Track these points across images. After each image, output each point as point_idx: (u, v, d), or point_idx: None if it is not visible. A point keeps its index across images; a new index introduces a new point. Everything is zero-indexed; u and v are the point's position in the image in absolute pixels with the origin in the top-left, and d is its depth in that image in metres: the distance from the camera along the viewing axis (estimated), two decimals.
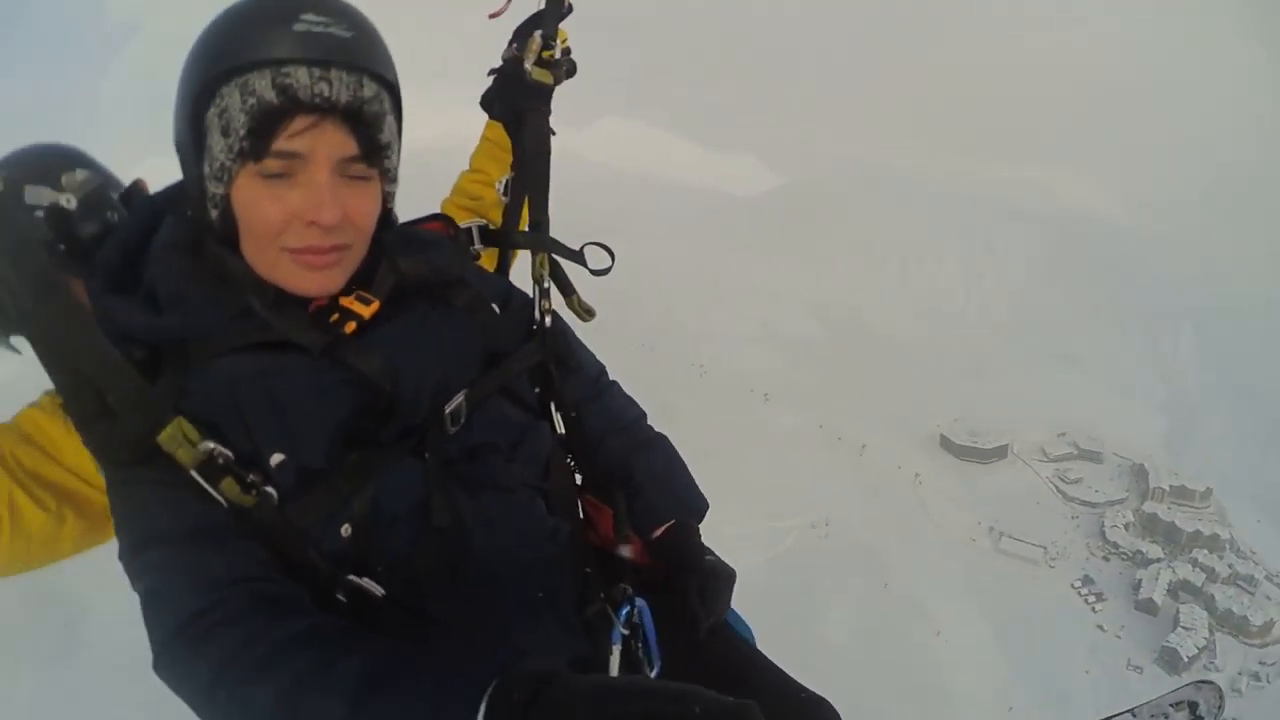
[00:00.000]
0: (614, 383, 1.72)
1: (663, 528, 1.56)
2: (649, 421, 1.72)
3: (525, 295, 1.61)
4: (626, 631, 1.32)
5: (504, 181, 1.73)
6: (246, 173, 1.13)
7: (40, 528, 1.29)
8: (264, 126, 1.09)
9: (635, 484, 1.57)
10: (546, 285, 1.60)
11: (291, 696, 0.95)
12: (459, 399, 1.29)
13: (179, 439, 1.08)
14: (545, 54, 1.68)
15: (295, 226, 1.14)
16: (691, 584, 1.43)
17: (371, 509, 1.19)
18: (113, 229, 1.54)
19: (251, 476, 1.12)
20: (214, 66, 1.10)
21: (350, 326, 1.22)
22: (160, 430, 1.07)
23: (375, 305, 1.24)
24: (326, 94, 1.10)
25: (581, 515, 1.58)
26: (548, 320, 1.59)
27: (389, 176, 1.27)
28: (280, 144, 1.10)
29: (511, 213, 1.72)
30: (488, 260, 1.74)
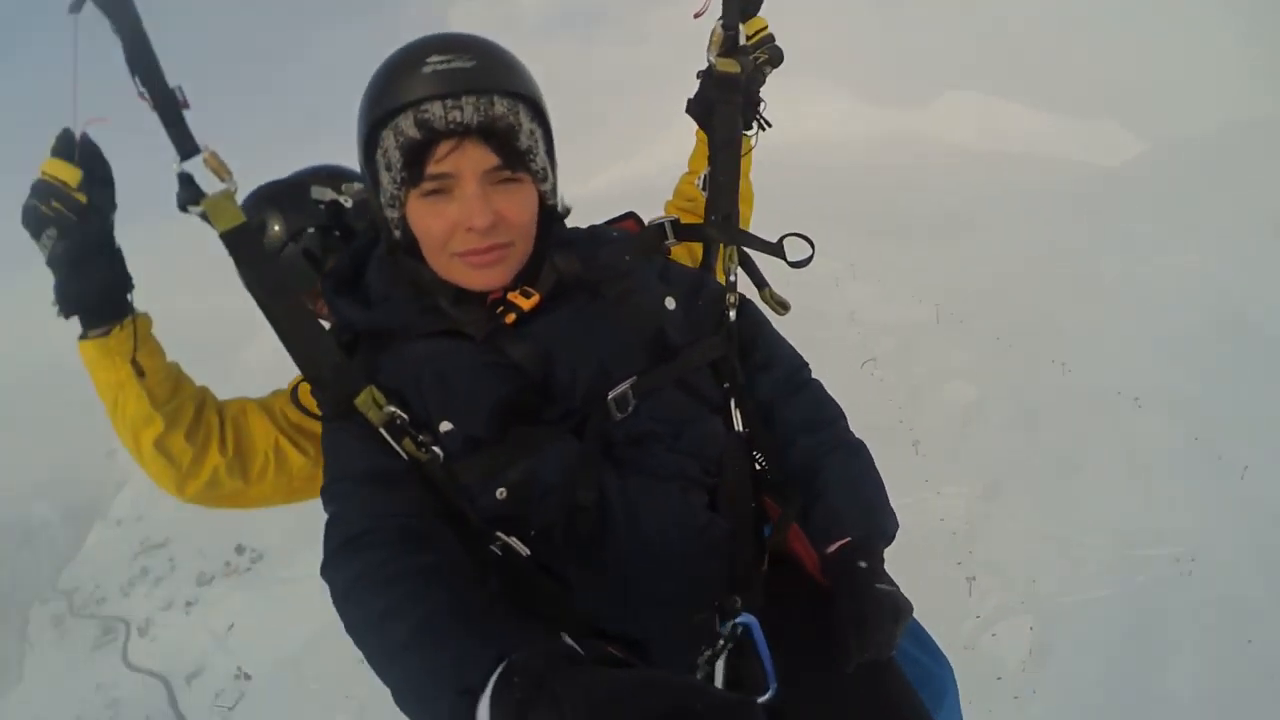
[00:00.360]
0: (814, 381, 1.67)
1: (839, 543, 1.46)
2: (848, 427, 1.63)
3: (720, 287, 1.63)
4: (729, 644, 1.31)
5: (702, 177, 1.77)
6: (413, 197, 1.35)
7: (300, 469, 1.60)
8: (415, 158, 1.31)
9: (818, 488, 1.51)
10: (733, 278, 1.66)
11: (384, 618, 1.13)
12: (624, 386, 1.40)
13: (370, 403, 1.35)
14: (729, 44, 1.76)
15: (458, 234, 1.35)
16: (849, 610, 1.34)
17: (526, 478, 1.35)
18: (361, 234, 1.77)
19: (423, 437, 1.34)
20: (370, 118, 1.33)
21: (510, 317, 1.41)
22: (356, 395, 1.35)
23: (535, 299, 1.42)
24: (459, 119, 1.29)
25: (757, 517, 1.55)
26: (732, 314, 1.61)
27: (539, 176, 1.42)
28: (431, 169, 1.31)
29: (710, 207, 1.75)
30: (685, 254, 1.81)
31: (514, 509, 1.35)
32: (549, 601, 1.35)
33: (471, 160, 1.31)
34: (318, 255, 2.08)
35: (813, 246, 1.63)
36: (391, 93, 1.30)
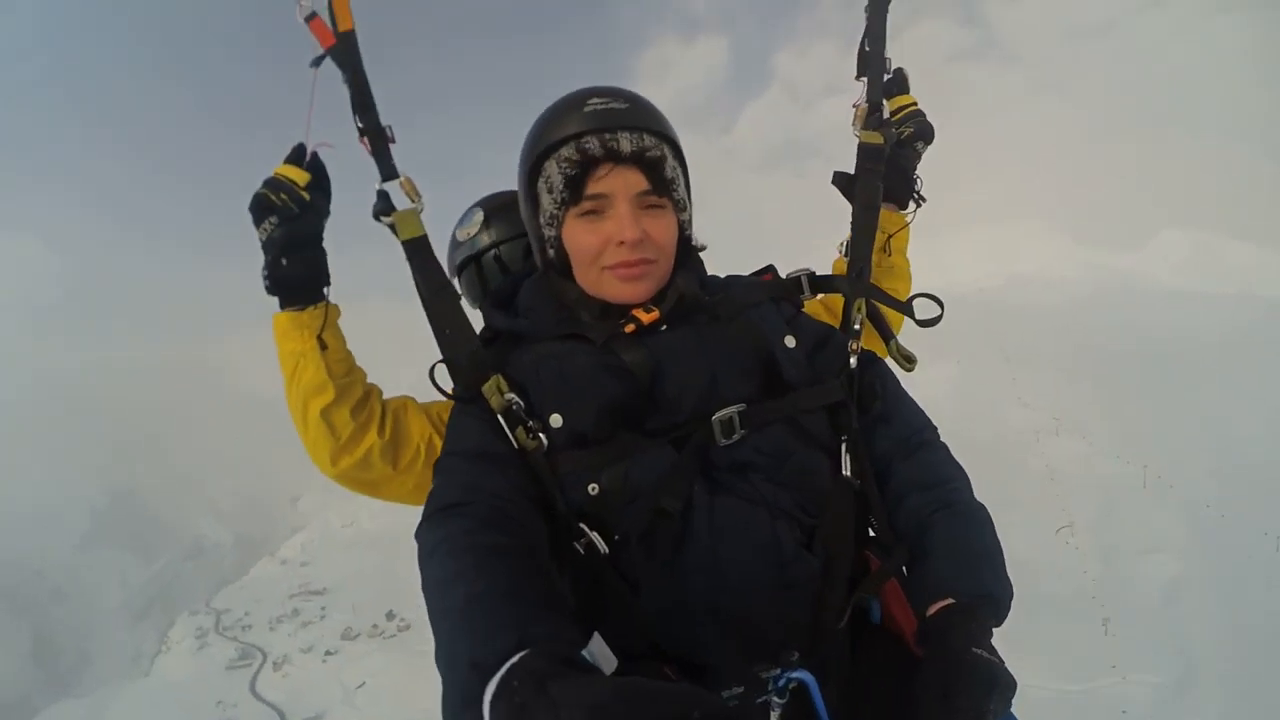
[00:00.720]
0: (939, 443, 1.64)
1: (939, 604, 1.36)
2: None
3: (844, 338, 1.68)
4: (781, 697, 1.30)
5: (843, 242, 1.84)
6: (570, 217, 1.53)
7: None
8: (576, 180, 1.49)
9: (924, 547, 1.45)
10: (858, 327, 1.70)
11: (449, 581, 1.21)
12: (732, 411, 1.46)
13: (494, 389, 1.48)
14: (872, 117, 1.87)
15: (609, 248, 1.50)
16: (936, 672, 1.25)
17: (619, 479, 1.42)
18: None
19: (533, 423, 1.45)
20: (535, 150, 1.53)
21: (629, 327, 1.52)
22: (484, 381, 1.49)
23: (655, 314, 1.54)
24: (615, 148, 1.48)
25: (854, 568, 1.53)
26: (853, 361, 1.65)
27: (679, 206, 1.60)
28: (589, 189, 1.49)
29: (849, 266, 1.80)
30: (824, 312, 1.88)
31: (603, 508, 1.42)
32: (617, 605, 1.38)
33: (625, 183, 1.49)
34: (508, 267, 2.23)
35: (941, 307, 1.72)
36: (556, 128, 1.50)
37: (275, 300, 1.67)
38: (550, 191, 1.53)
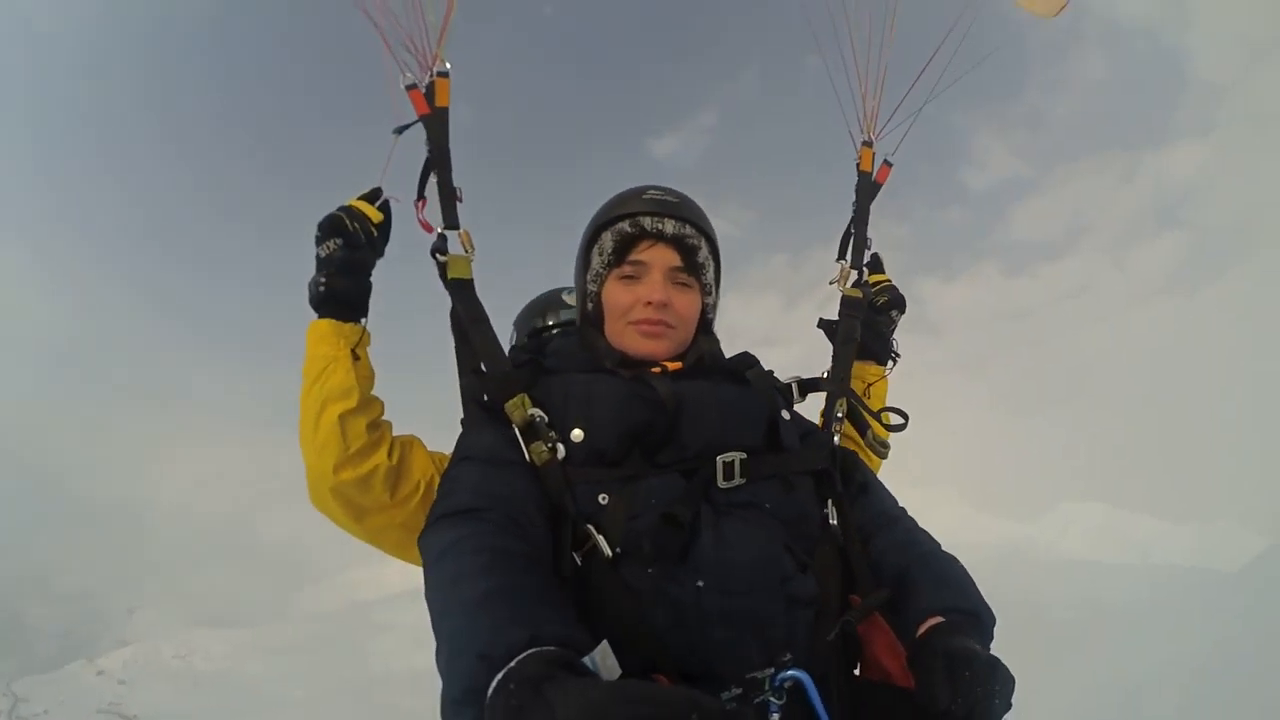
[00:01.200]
0: (911, 518, 1.79)
1: (930, 622, 1.46)
2: None
3: (826, 433, 1.90)
4: (778, 699, 1.36)
5: (825, 370, 2.04)
6: (611, 277, 1.77)
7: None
8: (622, 248, 1.75)
9: (909, 583, 1.57)
10: (840, 416, 1.92)
11: (457, 580, 1.27)
12: (735, 456, 1.58)
13: (518, 405, 1.60)
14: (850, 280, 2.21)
15: (638, 306, 1.73)
16: (939, 665, 1.31)
17: (629, 494, 1.52)
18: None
19: (552, 433, 1.57)
20: (596, 223, 1.80)
21: (655, 370, 1.71)
22: (512, 397, 1.61)
23: (679, 365, 1.75)
24: (660, 229, 1.74)
25: (842, 605, 1.60)
26: (836, 439, 1.88)
27: (705, 290, 1.83)
28: (632, 256, 1.75)
29: (830, 375, 2.02)
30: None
31: (610, 518, 1.49)
32: (616, 613, 1.41)
33: (662, 256, 1.74)
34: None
35: (906, 419, 1.99)
36: (617, 207, 1.78)
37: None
38: (600, 254, 1.77)
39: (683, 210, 1.76)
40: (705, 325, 1.88)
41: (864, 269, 2.25)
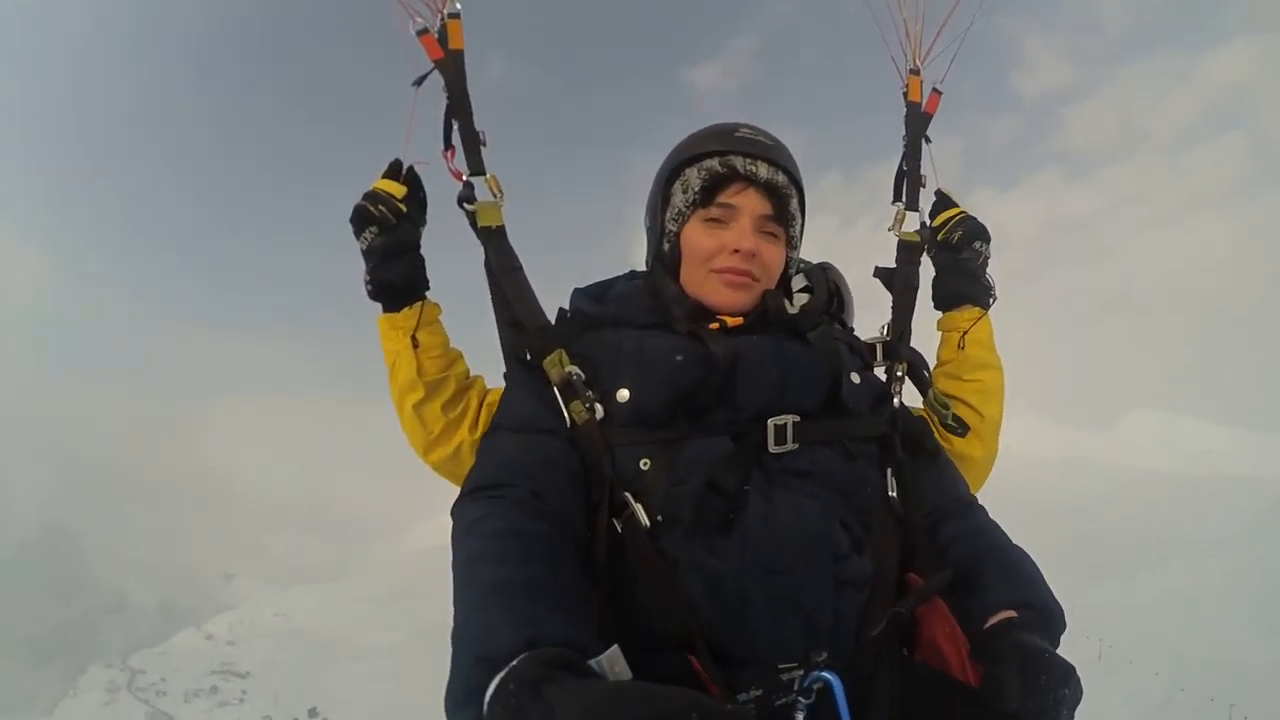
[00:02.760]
0: (982, 507, 1.69)
1: (1001, 615, 1.36)
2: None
3: (889, 395, 1.76)
4: (805, 699, 1.28)
5: (884, 324, 1.96)
6: (694, 219, 1.62)
7: None
8: (712, 187, 1.59)
9: (979, 574, 1.47)
10: (901, 375, 1.81)
11: (476, 562, 1.25)
12: (787, 420, 1.47)
13: (555, 361, 1.54)
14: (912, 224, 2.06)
15: (723, 253, 1.58)
16: (1013, 662, 1.22)
17: (672, 458, 1.44)
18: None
19: (590, 393, 1.49)
20: (680, 157, 1.65)
21: (714, 325, 1.58)
22: (549, 353, 1.55)
23: (740, 321, 1.60)
24: (754, 172, 1.59)
25: (898, 588, 1.53)
26: (896, 401, 1.75)
27: (792, 243, 1.70)
28: (721, 199, 1.59)
29: (891, 331, 1.94)
30: None
31: (652, 484, 1.43)
32: (654, 583, 1.37)
33: (753, 203, 1.60)
34: None
35: (965, 427, 1.88)
36: (704, 143, 1.64)
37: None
38: (684, 192, 1.63)
39: (777, 155, 1.64)
40: (784, 280, 1.74)
41: (922, 209, 2.09)
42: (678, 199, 1.64)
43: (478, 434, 1.80)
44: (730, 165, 1.60)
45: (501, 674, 1.01)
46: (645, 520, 1.39)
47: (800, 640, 1.34)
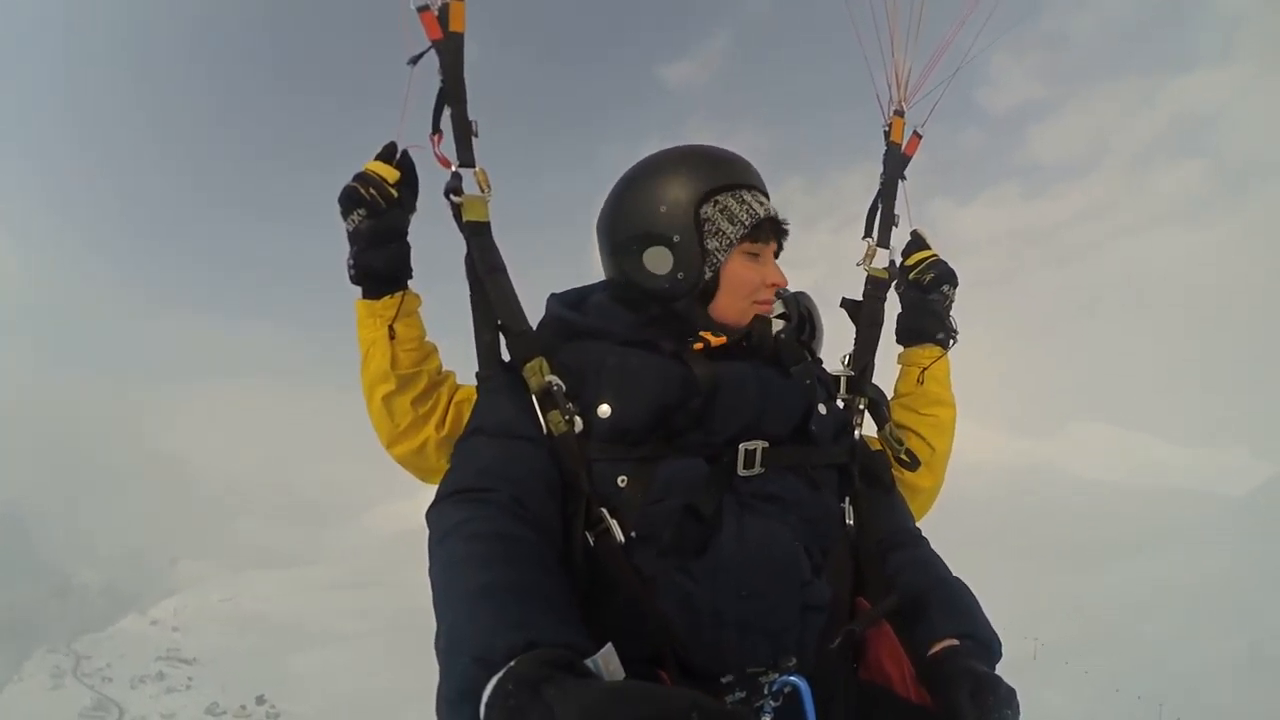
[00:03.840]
0: (927, 540, 1.80)
1: (943, 644, 1.47)
2: None
3: (849, 416, 1.85)
4: (774, 702, 1.34)
5: (845, 355, 2.02)
6: (737, 252, 1.63)
7: None
8: (757, 225, 1.62)
9: (923, 604, 1.57)
10: (861, 409, 1.90)
11: (459, 566, 1.25)
12: (757, 445, 1.52)
13: (536, 369, 1.53)
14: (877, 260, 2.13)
15: (762, 288, 1.66)
16: (964, 685, 1.33)
17: (649, 476, 1.47)
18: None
19: (569, 405, 1.49)
20: (711, 183, 1.62)
21: (697, 346, 1.61)
22: (529, 359, 1.55)
23: (723, 339, 1.63)
24: (778, 217, 1.67)
25: (850, 610, 1.62)
26: (857, 433, 1.85)
27: None
28: (762, 237, 1.65)
29: (853, 364, 2.00)
30: None
31: (628, 502, 1.45)
32: (626, 600, 1.39)
33: (773, 246, 1.69)
34: None
35: (916, 461, 1.97)
36: (731, 171, 1.65)
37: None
38: (731, 222, 1.62)
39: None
40: None
41: (891, 246, 2.16)
42: (725, 228, 1.62)
43: (445, 432, 1.82)
44: (767, 209, 1.66)
45: (500, 674, 1.00)
46: (620, 536, 1.43)
47: (767, 657, 1.40)
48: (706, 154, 1.70)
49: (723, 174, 1.65)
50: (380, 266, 1.79)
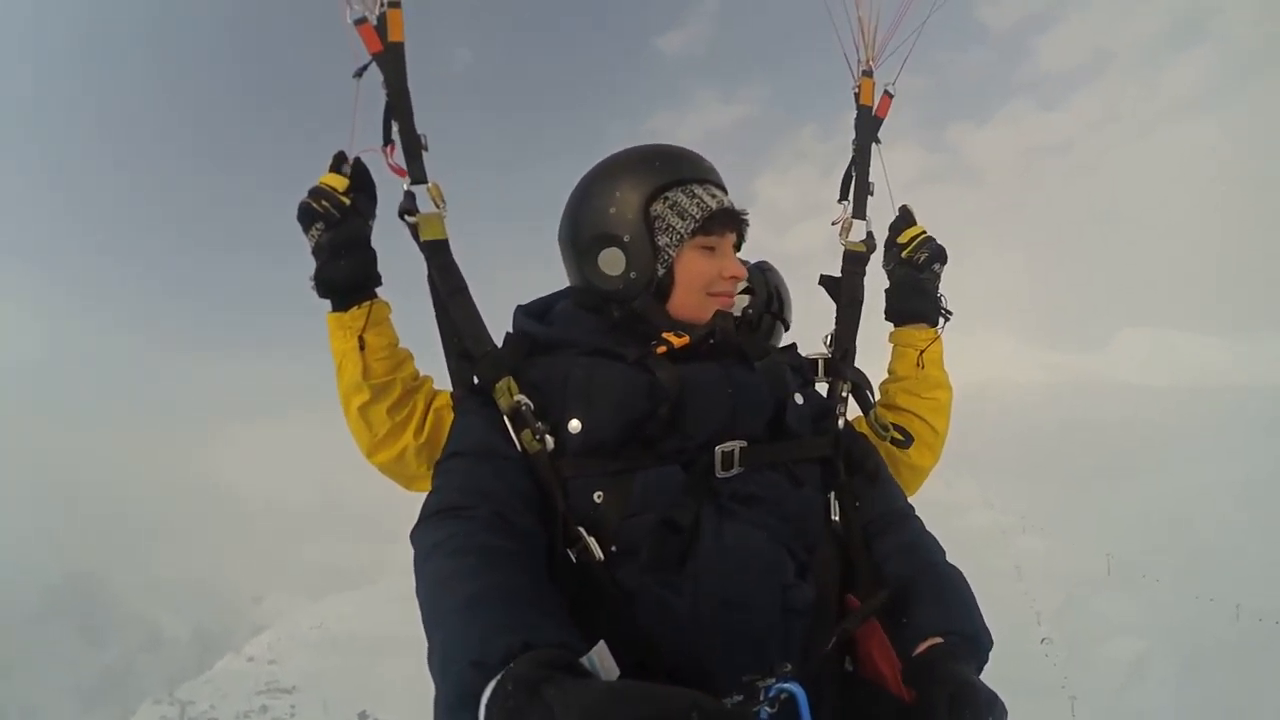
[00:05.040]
0: (918, 518, 1.75)
1: (927, 643, 1.41)
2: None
3: (832, 405, 1.81)
4: (770, 709, 1.25)
5: (828, 334, 1.99)
6: (690, 246, 1.63)
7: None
8: (710, 218, 1.63)
9: (911, 596, 1.51)
10: (845, 395, 1.84)
11: (447, 581, 1.24)
12: (734, 446, 1.50)
13: (505, 389, 1.52)
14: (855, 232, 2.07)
15: (720, 279, 1.65)
16: (943, 695, 1.27)
17: (625, 489, 1.45)
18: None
19: (541, 424, 1.47)
20: (660, 180, 1.63)
21: (661, 349, 1.59)
22: (497, 380, 1.54)
23: (685, 339, 1.61)
24: (733, 208, 1.68)
25: (839, 608, 1.58)
26: (841, 422, 1.79)
27: None
28: (716, 229, 1.64)
29: (834, 348, 1.96)
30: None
31: (605, 518, 1.44)
32: (609, 616, 1.37)
33: (732, 235, 1.69)
34: None
35: (908, 438, 1.96)
36: (681, 167, 1.67)
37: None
38: (681, 217, 1.61)
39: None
40: None
41: (868, 218, 2.08)
42: (674, 223, 1.61)
43: (424, 437, 1.81)
44: (720, 201, 1.65)
45: (498, 676, 0.99)
46: (599, 553, 1.40)
47: (753, 666, 1.30)
48: (658, 152, 1.69)
49: (672, 170, 1.65)
50: (344, 278, 1.77)
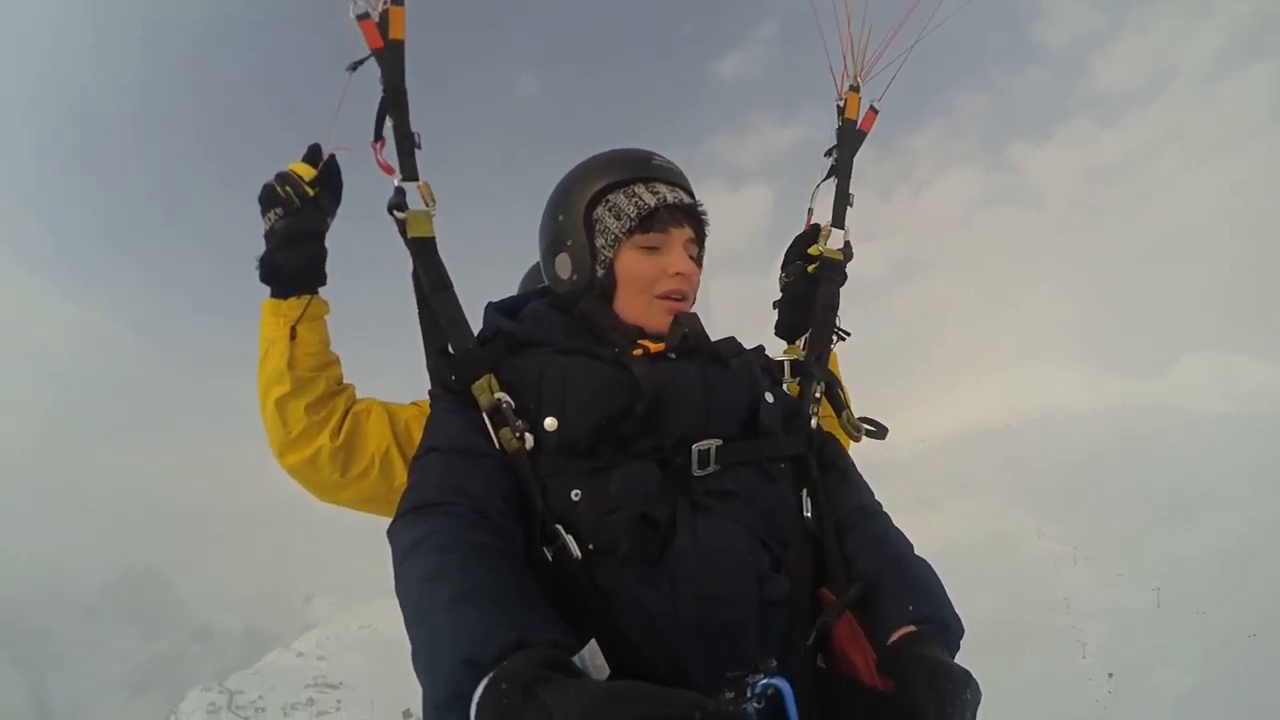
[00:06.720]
0: (886, 514, 1.75)
1: (902, 631, 1.42)
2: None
3: (805, 407, 1.80)
4: (757, 704, 1.22)
5: (803, 339, 2.02)
6: (628, 247, 1.63)
7: (405, 483, 1.53)
8: (648, 216, 1.62)
9: (881, 587, 1.52)
10: (818, 396, 1.83)
11: (431, 579, 1.20)
12: (710, 444, 1.50)
13: (484, 387, 1.51)
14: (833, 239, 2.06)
15: (664, 278, 1.63)
16: (922, 675, 1.29)
17: (603, 488, 1.45)
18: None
19: (519, 422, 1.47)
20: (600, 182, 1.65)
21: (637, 353, 1.59)
22: (477, 378, 1.52)
23: (661, 346, 1.62)
24: (681, 200, 1.66)
25: (813, 602, 1.56)
26: (814, 422, 1.78)
27: (699, 263, 1.74)
28: (657, 227, 1.63)
29: (810, 350, 1.97)
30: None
31: (583, 516, 1.43)
32: (587, 615, 1.35)
33: (683, 230, 1.66)
34: None
35: (880, 429, 1.91)
36: (625, 168, 1.67)
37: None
38: (618, 218, 1.62)
39: (689, 183, 1.72)
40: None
41: (845, 226, 2.09)
42: (611, 224, 1.63)
43: (339, 441, 1.72)
44: (660, 195, 1.63)
45: (491, 674, 0.97)
46: (576, 552, 1.40)
47: (733, 662, 1.27)
48: (612, 157, 1.71)
49: (616, 172, 1.66)
50: (290, 267, 1.74)
